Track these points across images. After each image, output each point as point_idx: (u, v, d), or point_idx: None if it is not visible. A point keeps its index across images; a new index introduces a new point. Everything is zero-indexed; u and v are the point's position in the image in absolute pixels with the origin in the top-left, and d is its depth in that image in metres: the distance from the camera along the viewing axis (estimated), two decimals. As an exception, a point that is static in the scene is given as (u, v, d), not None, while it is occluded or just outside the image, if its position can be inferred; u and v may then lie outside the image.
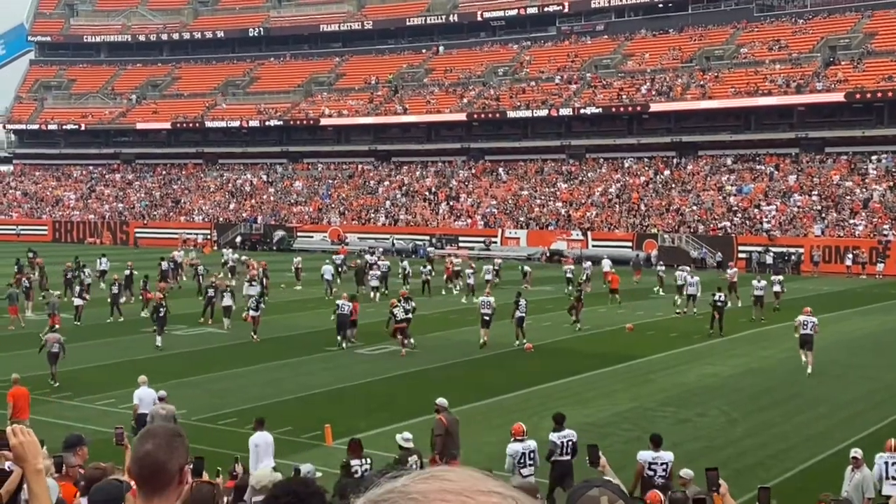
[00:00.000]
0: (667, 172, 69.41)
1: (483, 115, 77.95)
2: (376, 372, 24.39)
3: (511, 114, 76.34)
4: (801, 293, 37.63)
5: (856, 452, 13.34)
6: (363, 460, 12.73)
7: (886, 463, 13.12)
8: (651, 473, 12.37)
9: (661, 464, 12.51)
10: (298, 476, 9.70)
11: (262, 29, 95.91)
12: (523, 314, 28.43)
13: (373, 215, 74.85)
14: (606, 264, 45.46)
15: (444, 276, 42.80)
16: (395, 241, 65.32)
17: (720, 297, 30.90)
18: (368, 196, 78.25)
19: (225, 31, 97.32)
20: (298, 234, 73.42)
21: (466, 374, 24.47)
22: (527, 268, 46.39)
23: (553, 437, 13.76)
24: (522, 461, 13.22)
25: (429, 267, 42.72)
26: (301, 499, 3.64)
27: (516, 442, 13.44)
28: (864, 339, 30.60)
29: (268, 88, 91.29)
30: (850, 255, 53.74)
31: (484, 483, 0.95)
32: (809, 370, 24.12)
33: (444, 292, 41.87)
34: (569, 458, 13.60)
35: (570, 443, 13.71)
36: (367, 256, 48.15)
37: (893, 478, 13.02)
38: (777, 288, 36.45)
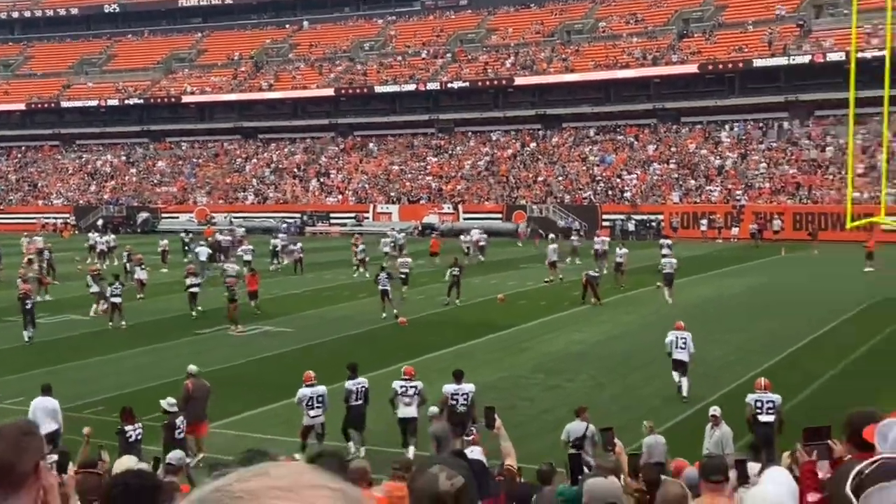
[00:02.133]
0: (533, 145, 70.60)
1: (350, 91, 77.57)
2: (247, 353, 24.19)
3: (378, 88, 76.20)
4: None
5: (714, 411, 14.03)
6: (136, 426, 13.73)
7: (676, 337, 18.66)
8: (454, 402, 14.86)
9: (463, 394, 15.00)
10: (134, 469, 9.62)
11: (117, 5, 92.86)
12: (385, 288, 28.79)
13: (241, 194, 73.72)
14: (475, 233, 46.88)
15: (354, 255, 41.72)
16: (232, 220, 63.82)
17: (593, 271, 32.00)
18: (235, 174, 76.99)
19: (79, 7, 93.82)
20: (163, 215, 71.76)
21: (341, 351, 24.48)
22: (400, 241, 46.69)
23: (348, 384, 15.85)
24: (311, 404, 15.44)
25: (299, 244, 42.59)
26: (131, 491, 3.58)
27: (306, 387, 15.60)
28: (720, 302, 31.91)
29: (126, 66, 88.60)
30: (704, 221, 55.98)
31: (311, 478, 0.94)
32: (670, 301, 30.06)
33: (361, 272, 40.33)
34: (361, 402, 15.80)
35: (362, 389, 15.90)
36: (218, 235, 47.89)
37: (681, 347, 18.48)
38: (666, 251, 38.14)
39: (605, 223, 57.91)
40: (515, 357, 23.50)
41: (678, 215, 57.54)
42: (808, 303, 30.78)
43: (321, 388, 15.59)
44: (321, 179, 73.28)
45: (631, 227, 56.86)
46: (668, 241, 41.77)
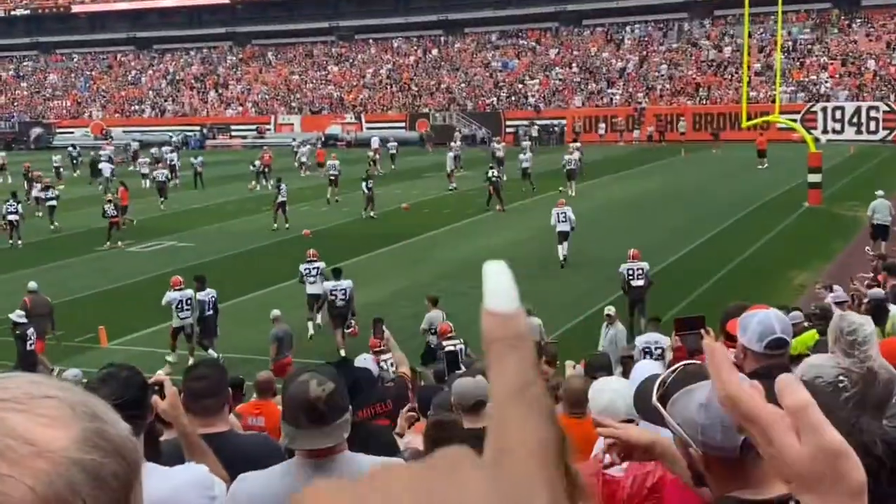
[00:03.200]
0: (435, 51, 69.95)
1: (246, -2, 75.49)
2: (150, 269, 23.84)
3: (275, -5, 74.30)
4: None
5: (609, 310, 14.45)
6: None
7: (557, 213, 22.75)
8: (333, 297, 16.98)
9: (341, 290, 17.06)
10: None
11: None
12: (284, 199, 28.74)
13: (137, 107, 71.66)
14: (375, 142, 47.12)
15: (264, 168, 40.28)
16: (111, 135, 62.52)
17: (493, 173, 31.91)
18: (131, 87, 74.69)
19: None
20: (57, 130, 69.42)
21: (243, 264, 24.39)
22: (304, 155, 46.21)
23: (199, 296, 16.72)
24: (180, 306, 16.59)
25: (200, 158, 41.88)
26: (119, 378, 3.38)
27: (175, 291, 16.70)
28: (620, 203, 32.48)
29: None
30: (603, 125, 56.72)
31: (40, 388, 0.93)
32: (572, 193, 32.21)
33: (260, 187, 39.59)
34: (212, 313, 16.90)
35: (212, 299, 16.94)
36: (102, 151, 47.11)
37: (562, 221, 22.79)
38: (577, 155, 38.38)
39: (508, 129, 58.05)
40: (419, 265, 23.68)
41: (581, 119, 58.00)
42: (706, 202, 31.59)
43: (189, 292, 16.79)
44: (220, 91, 71.60)
45: (534, 132, 57.08)
46: (577, 144, 42.14)
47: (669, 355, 12.97)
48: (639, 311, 17.02)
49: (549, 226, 28.50)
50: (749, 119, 34.46)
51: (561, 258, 22.67)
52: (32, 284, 17.32)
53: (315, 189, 38.17)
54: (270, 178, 37.26)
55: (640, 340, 13.58)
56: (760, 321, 3.69)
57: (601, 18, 66.99)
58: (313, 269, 18.31)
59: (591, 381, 7.02)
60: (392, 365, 13.56)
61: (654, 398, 2.04)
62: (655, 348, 13.31)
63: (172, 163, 42.39)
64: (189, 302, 16.76)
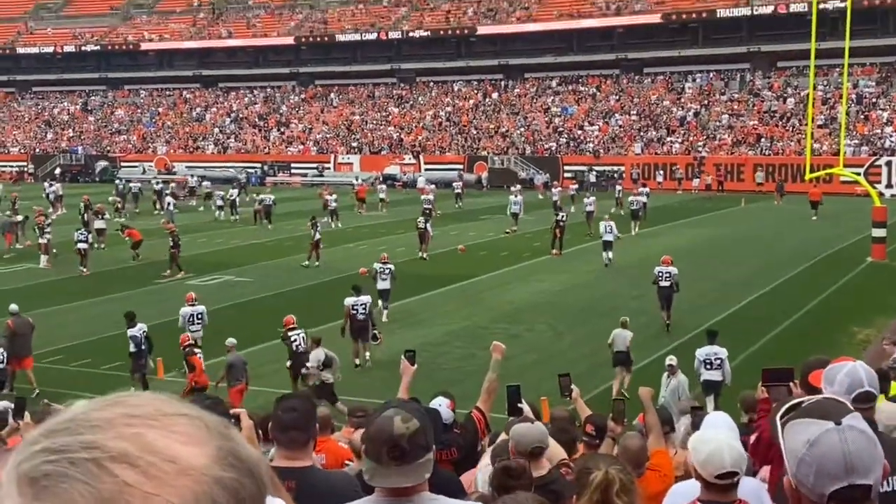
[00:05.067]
0: (495, 95, 70.32)
1: (311, 39, 76.64)
2: (208, 303, 23.99)
3: (340, 37, 75.35)
4: (624, 209, 39.16)
5: (671, 360, 14.23)
6: None
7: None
8: (354, 312, 18.43)
9: (361, 304, 18.56)
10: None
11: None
12: (318, 238, 29.55)
13: (201, 143, 72.88)
14: (421, 181, 47.98)
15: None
16: (145, 168, 64.16)
17: (562, 216, 31.82)
18: (195, 123, 76.04)
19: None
20: (122, 164, 70.84)
21: (301, 300, 24.51)
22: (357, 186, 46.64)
23: (132, 332, 16.95)
24: (192, 320, 18.36)
25: (261, 196, 42.46)
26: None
27: (188, 306, 18.58)
28: (681, 252, 32.11)
29: (83, 12, 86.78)
30: (661, 172, 56.41)
31: (170, 406, 0.93)
32: (633, 233, 35.12)
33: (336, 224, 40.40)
34: (145, 348, 17.03)
35: (143, 334, 17.01)
36: (132, 185, 50.02)
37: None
38: (644, 199, 38.52)
39: (566, 175, 57.99)
40: (474, 307, 23.61)
41: (639, 167, 57.76)
42: (767, 253, 31.17)
43: (200, 308, 18.60)
44: (282, 129, 72.61)
45: (592, 178, 56.94)
46: (646, 190, 42.49)
47: (728, 366, 14.76)
48: (666, 308, 20.65)
49: (602, 270, 28.53)
50: (812, 171, 34.02)
51: (605, 263, 28.35)
52: (13, 307, 17.97)
53: (372, 227, 38.44)
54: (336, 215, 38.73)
55: (701, 353, 14.92)
56: (848, 373, 3.60)
57: (662, 67, 66.89)
58: (386, 269, 21.92)
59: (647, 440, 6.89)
60: (303, 340, 16.17)
61: (779, 415, 2.02)
62: (715, 359, 14.74)
63: (233, 198, 43.02)
64: (200, 316, 18.37)
